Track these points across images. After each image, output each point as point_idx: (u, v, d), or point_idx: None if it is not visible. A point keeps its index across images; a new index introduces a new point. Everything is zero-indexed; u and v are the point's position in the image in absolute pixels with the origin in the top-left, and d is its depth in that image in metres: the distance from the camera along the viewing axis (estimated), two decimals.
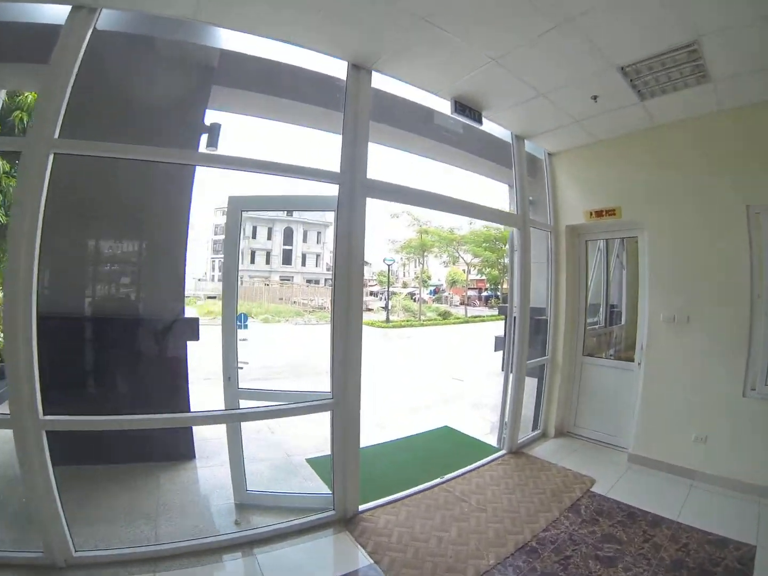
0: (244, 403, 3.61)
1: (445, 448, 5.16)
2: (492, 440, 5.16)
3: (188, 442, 4.40)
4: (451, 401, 7.18)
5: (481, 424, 6.05)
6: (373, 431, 5.42)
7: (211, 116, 4.18)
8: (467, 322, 27.07)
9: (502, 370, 9.02)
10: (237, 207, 3.58)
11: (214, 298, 47.94)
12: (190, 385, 4.41)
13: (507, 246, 5.39)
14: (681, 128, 4.33)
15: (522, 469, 4.43)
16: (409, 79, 3.80)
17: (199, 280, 70.64)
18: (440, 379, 8.59)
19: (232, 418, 3.57)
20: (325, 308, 37.20)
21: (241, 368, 3.74)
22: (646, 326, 4.63)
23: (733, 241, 4.06)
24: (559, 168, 5.38)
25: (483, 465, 4.49)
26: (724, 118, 4.05)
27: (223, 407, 3.59)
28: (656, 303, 4.55)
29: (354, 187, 3.28)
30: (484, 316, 29.65)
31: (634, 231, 4.98)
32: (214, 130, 4.14)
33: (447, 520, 3.47)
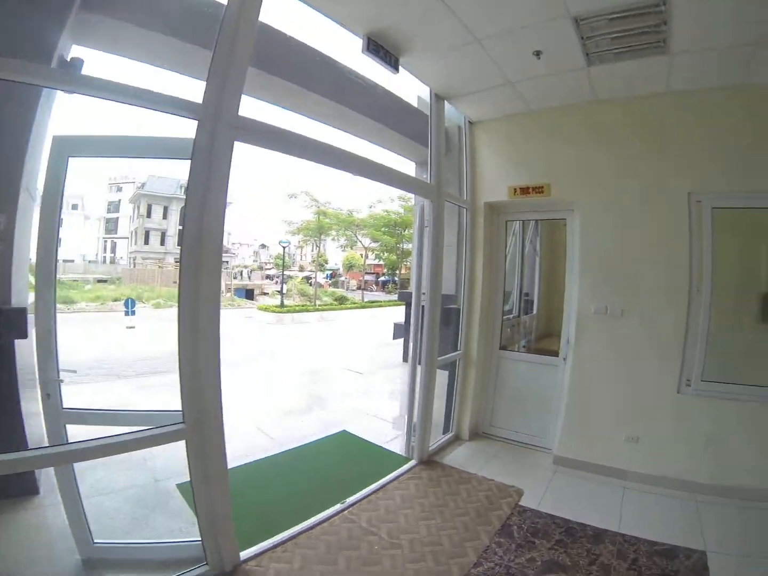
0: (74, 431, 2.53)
1: (345, 459, 4.36)
2: (398, 447, 4.49)
3: (29, 473, 3.10)
4: (349, 398, 6.38)
5: (384, 426, 5.35)
6: (258, 440, 4.54)
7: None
8: (364, 307, 26.74)
9: (404, 360, 8.54)
10: (62, 151, 2.48)
11: (105, 281, 44.11)
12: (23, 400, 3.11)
13: (415, 223, 4.72)
14: (623, 106, 3.99)
15: (437, 483, 3.77)
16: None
17: (89, 261, 64.74)
18: (336, 371, 7.79)
19: (35, 463, 2.18)
20: (222, 292, 35.10)
21: (63, 381, 2.56)
22: (574, 318, 4.18)
23: (673, 229, 3.80)
24: (480, 139, 4.77)
25: (391, 481, 3.77)
26: (671, 99, 3.79)
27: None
28: (587, 293, 4.12)
29: (217, 126, 2.28)
30: (381, 302, 29.58)
31: (562, 212, 4.50)
32: (75, 66, 2.95)
33: (354, 563, 2.70)
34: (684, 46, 3.15)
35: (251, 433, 4.74)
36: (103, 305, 26.51)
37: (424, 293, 4.13)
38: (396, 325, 12.67)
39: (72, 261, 62.55)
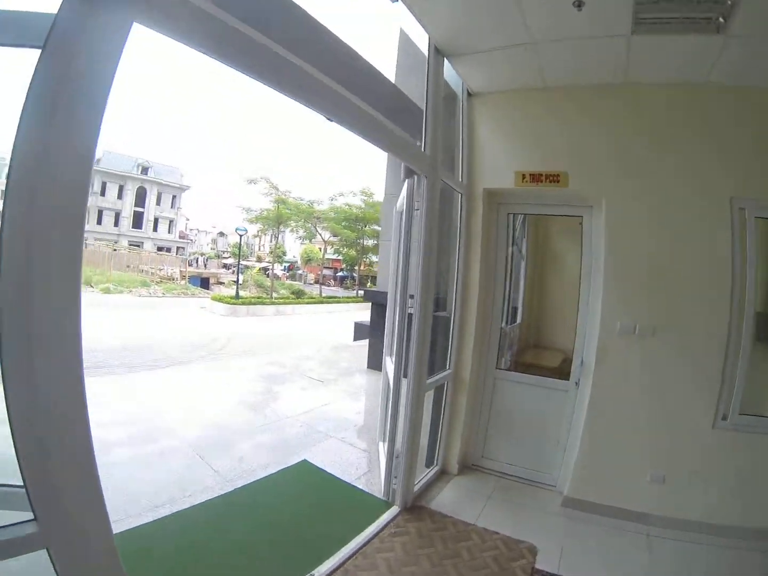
0: None
1: (308, 503, 3.42)
2: (371, 484, 3.67)
3: None
4: (309, 415, 5.25)
5: (353, 454, 4.36)
6: (196, 473, 3.60)
7: None
8: (322, 302, 25.68)
9: (369, 367, 7.71)
10: None
11: None
12: None
13: (398, 207, 3.90)
14: (664, 92, 3.34)
15: (430, 541, 2.95)
16: None
17: None
18: (293, 377, 6.84)
19: None
20: (174, 279, 33.34)
21: None
22: (594, 337, 3.46)
23: (715, 238, 3.18)
24: (481, 113, 3.96)
25: (371, 539, 2.92)
26: (719, 91, 3.20)
27: None
28: (612, 307, 3.40)
29: None
30: (339, 298, 28.66)
31: (579, 209, 3.75)
32: None
33: None
34: (744, 27, 2.59)
35: (187, 461, 3.79)
36: None
37: (411, 296, 3.30)
38: (358, 326, 11.80)
39: None
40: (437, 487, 3.71)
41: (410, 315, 3.29)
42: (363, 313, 24.48)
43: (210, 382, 6.16)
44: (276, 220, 23.13)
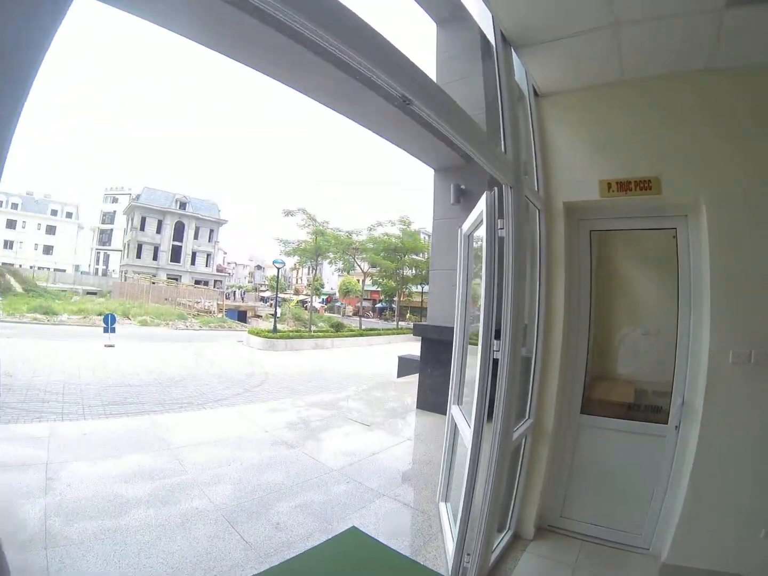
0: None
1: None
2: (436, 557, 3.02)
3: None
4: (356, 469, 4.46)
5: (410, 518, 3.63)
6: (226, 545, 3.00)
7: None
8: (362, 334, 25.20)
9: (419, 408, 7.07)
10: None
11: (95, 294, 42.69)
12: None
13: (463, 230, 3.38)
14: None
15: None
16: None
17: (82, 272, 63.36)
18: (336, 421, 6.21)
19: None
20: (212, 312, 33.64)
21: None
22: (700, 369, 2.81)
23: None
24: (554, 116, 3.44)
25: None
26: None
27: None
28: (722, 333, 2.74)
29: None
30: (380, 330, 28.13)
31: (672, 219, 3.14)
32: None
33: None
34: None
35: (213, 529, 3.19)
36: (86, 319, 25.59)
37: (497, 334, 2.67)
38: (403, 360, 11.17)
39: (63, 270, 61.70)
40: (512, 557, 3.04)
41: (494, 359, 2.66)
42: (405, 346, 23.95)
43: (243, 426, 5.63)
44: (314, 252, 22.94)
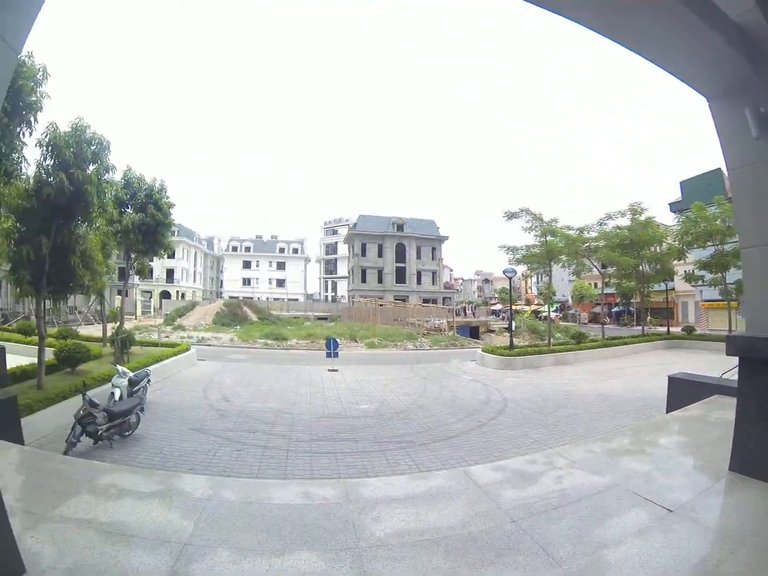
0: None
1: None
2: None
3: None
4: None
5: None
6: None
7: None
8: (606, 345, 21.58)
9: (731, 469, 4.36)
10: None
11: (326, 319, 47.17)
12: None
13: None
14: None
15: None
16: None
17: (313, 300, 72.12)
18: (613, 501, 3.75)
19: None
20: (442, 330, 33.17)
21: None
22: None
23: None
24: None
25: None
26: None
27: None
28: None
29: None
30: (624, 338, 24.00)
31: None
32: None
33: None
34: None
35: None
36: (313, 343, 26.80)
37: None
38: (677, 384, 8.15)
39: (296, 300, 69.86)
40: None
41: None
42: (658, 357, 19.71)
43: (480, 508, 3.84)
44: (545, 256, 20.16)
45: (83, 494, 3.78)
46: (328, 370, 15.90)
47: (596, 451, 5.28)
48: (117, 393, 9.58)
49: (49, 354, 11.11)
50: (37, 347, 10.18)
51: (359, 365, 18.21)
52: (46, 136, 8.88)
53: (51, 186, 8.67)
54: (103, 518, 3.33)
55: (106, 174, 10.39)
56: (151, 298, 61.12)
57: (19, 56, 2.23)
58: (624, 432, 6.37)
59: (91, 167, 9.69)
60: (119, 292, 50.91)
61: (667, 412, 8.29)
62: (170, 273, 68.49)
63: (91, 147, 9.67)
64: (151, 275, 63.42)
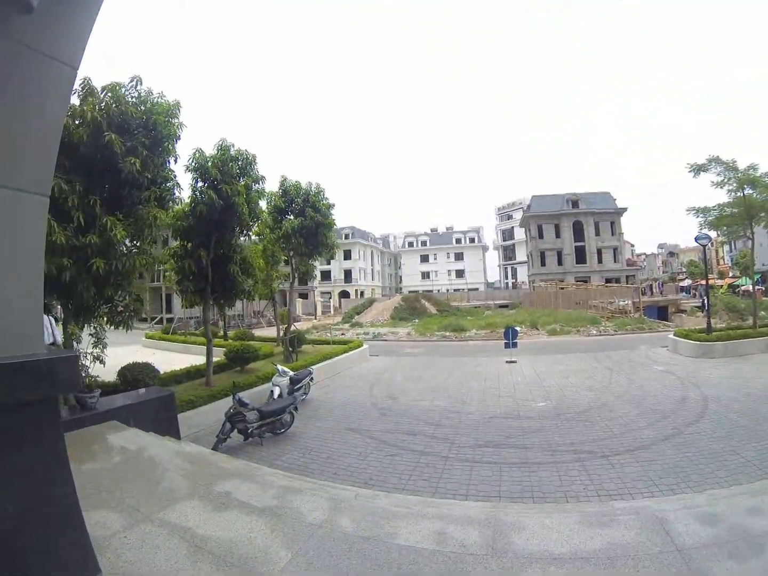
0: None
1: None
2: None
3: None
4: None
5: None
6: None
7: None
8: None
9: None
10: None
11: (507, 306, 45.71)
12: None
13: None
14: None
15: None
16: None
17: (493, 288, 70.93)
18: None
19: None
20: (627, 312, 29.53)
21: None
22: None
23: None
24: None
25: None
26: None
27: None
28: None
29: None
30: None
31: None
32: None
33: None
34: None
35: None
36: (493, 333, 25.11)
37: None
38: None
39: (476, 289, 68.72)
40: None
41: None
42: None
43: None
44: (745, 215, 16.01)
45: (195, 499, 3.61)
46: (506, 361, 14.65)
47: None
48: (276, 391, 9.76)
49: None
50: (214, 348, 11.08)
51: (539, 355, 16.70)
52: (191, 161, 9.64)
53: (203, 203, 9.27)
54: (200, 530, 3.09)
55: (256, 185, 10.78)
56: (330, 298, 64.55)
57: (76, 71, 2.24)
58: None
59: (241, 182, 10.19)
60: (300, 295, 56.41)
61: None
62: (348, 273, 71.88)
63: (238, 162, 10.11)
64: (329, 277, 68.64)
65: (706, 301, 20.34)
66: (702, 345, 14.42)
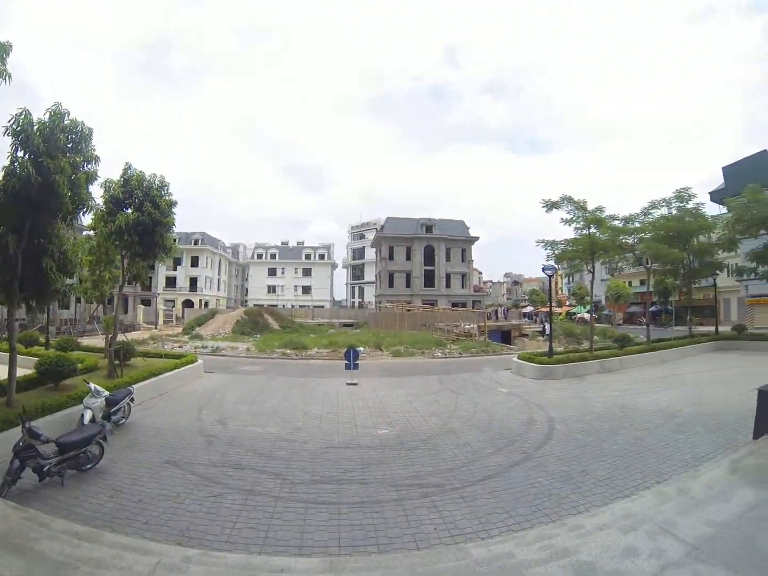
0: None
1: None
2: None
3: None
4: None
5: None
6: None
7: None
8: (653, 348, 19.35)
9: None
10: None
11: (351, 326, 45.46)
12: None
13: None
14: None
15: None
16: None
17: (340, 307, 70.76)
18: None
19: None
20: (473, 335, 30.68)
21: None
22: None
23: None
24: None
25: None
26: None
27: None
28: None
29: None
30: (670, 341, 21.65)
31: None
32: None
33: None
34: None
35: None
36: (335, 352, 24.16)
37: None
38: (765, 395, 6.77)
39: (322, 306, 68.65)
40: None
41: None
42: (712, 360, 17.60)
43: None
44: (588, 250, 17.76)
45: None
46: (347, 383, 14.09)
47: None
48: (88, 415, 8.16)
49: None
50: (32, 358, 8.93)
51: (382, 377, 16.46)
52: (12, 123, 7.69)
53: (17, 177, 7.53)
54: None
55: (88, 165, 8.99)
56: (174, 306, 60.66)
57: None
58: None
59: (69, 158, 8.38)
60: (142, 301, 51.57)
61: (755, 437, 6.77)
62: (194, 281, 68.39)
63: (71, 136, 8.43)
64: (174, 284, 64.13)
65: (548, 327, 21.99)
66: (544, 367, 15.39)
